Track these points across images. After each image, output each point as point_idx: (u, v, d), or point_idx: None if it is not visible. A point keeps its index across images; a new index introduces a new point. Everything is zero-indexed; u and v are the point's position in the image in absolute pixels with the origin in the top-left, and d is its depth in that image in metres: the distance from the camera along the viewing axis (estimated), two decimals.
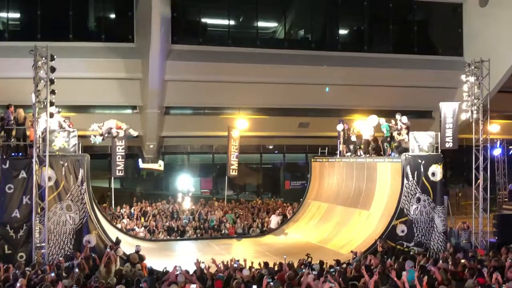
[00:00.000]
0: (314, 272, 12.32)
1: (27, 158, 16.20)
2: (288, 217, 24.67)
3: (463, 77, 19.03)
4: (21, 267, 13.25)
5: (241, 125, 26.74)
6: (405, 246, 17.58)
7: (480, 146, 18.75)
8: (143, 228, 22.98)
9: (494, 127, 26.84)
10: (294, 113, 28.65)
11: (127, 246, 17.21)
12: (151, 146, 27.40)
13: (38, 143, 15.82)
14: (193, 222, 24.14)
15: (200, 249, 20.79)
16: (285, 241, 21.99)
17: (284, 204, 27.76)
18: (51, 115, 16.05)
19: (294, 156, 33.24)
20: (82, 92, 23.28)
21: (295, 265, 14.14)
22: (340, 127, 23.67)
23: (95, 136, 17.82)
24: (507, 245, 15.97)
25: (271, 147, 31.98)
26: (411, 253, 16.42)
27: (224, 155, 27.39)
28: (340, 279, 11.41)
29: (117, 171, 23.41)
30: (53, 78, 15.69)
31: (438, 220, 18.09)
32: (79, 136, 17.47)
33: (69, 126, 17.76)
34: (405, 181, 17.98)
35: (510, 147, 32.05)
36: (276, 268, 13.46)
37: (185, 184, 29.89)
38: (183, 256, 19.01)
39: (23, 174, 15.95)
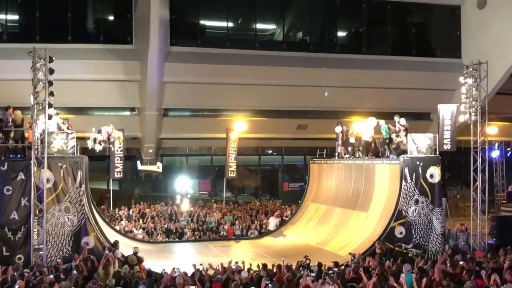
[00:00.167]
0: (312, 274, 12.34)
1: (25, 160, 16.19)
2: (287, 219, 24.67)
3: (461, 79, 19.05)
4: (19, 269, 13.24)
5: (240, 127, 26.75)
6: (403, 248, 17.58)
7: (478, 148, 18.76)
8: (141, 230, 22.97)
9: (492, 129, 26.88)
10: (293, 115, 28.69)
11: (126, 248, 17.18)
12: (150, 151, 27.41)
13: (37, 145, 15.81)
14: (192, 224, 24.13)
15: (198, 251, 20.79)
16: (283, 243, 21.99)
17: (283, 206, 27.77)
18: (50, 117, 16.02)
19: (293, 158, 33.23)
20: (80, 94, 23.28)
21: (294, 267, 14.14)
22: (338, 129, 23.68)
23: (94, 143, 17.81)
24: (505, 247, 16.00)
25: (270, 151, 32.01)
26: (409, 255, 16.41)
27: (223, 157, 27.40)
28: (339, 281, 11.42)
29: (115, 173, 23.48)
30: (51, 80, 15.69)
31: (436, 222, 18.09)
32: (78, 138, 17.45)
33: (68, 128, 17.75)
34: (404, 183, 17.98)
35: (508, 149, 32.07)
36: (274, 270, 13.45)
37: (184, 186, 29.87)
38: (181, 258, 19.01)
39: (21, 176, 15.94)
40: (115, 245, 15.99)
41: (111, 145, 21.59)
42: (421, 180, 18.06)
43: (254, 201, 30.17)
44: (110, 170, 23.41)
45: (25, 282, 11.56)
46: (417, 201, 18.02)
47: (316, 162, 25.50)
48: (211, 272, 13.26)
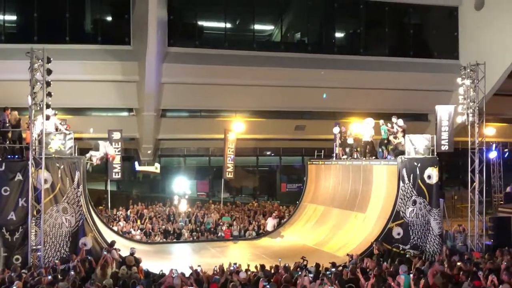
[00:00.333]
0: (310, 275, 12.35)
1: (23, 161, 16.17)
2: (284, 220, 24.67)
3: (458, 80, 19.10)
4: (17, 269, 13.24)
5: (238, 128, 26.77)
6: (401, 248, 17.60)
7: (476, 149, 18.79)
8: (139, 230, 22.97)
9: (490, 130, 26.93)
10: (291, 116, 28.69)
11: (123, 248, 17.15)
12: (149, 152, 27.39)
13: (34, 145, 15.80)
14: (190, 224, 24.12)
15: (196, 251, 20.78)
16: (281, 244, 21.99)
17: (281, 206, 27.78)
18: (48, 118, 16.02)
19: (291, 159, 33.24)
20: (78, 95, 23.25)
21: (291, 268, 14.14)
22: (336, 129, 23.69)
23: (90, 160, 17.90)
24: (502, 248, 16.03)
25: (268, 152, 32.02)
26: (407, 255, 16.44)
27: (221, 157, 27.41)
28: (336, 281, 11.43)
29: (113, 173, 23.44)
30: (49, 80, 15.69)
31: (434, 222, 18.12)
32: (76, 139, 17.44)
33: (66, 129, 17.74)
34: (401, 184, 18.01)
35: (506, 150, 32.14)
36: (272, 271, 13.46)
37: (182, 186, 29.90)
38: (179, 258, 19.00)
39: (19, 177, 15.91)
40: (112, 245, 15.98)
41: (112, 141, 21.79)
42: (419, 181, 18.09)
43: (252, 202, 30.19)
44: (108, 170, 23.38)
45: (22, 283, 11.55)
46: (414, 202, 18.04)
47: (314, 163, 25.51)
48: (210, 271, 13.29)
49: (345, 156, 22.71)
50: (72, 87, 22.28)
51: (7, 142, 16.48)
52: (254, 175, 33.03)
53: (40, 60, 15.59)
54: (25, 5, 23.56)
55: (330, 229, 21.29)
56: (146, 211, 25.12)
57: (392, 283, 11.21)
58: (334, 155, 23.98)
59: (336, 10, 27.56)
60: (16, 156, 16.61)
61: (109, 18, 25.74)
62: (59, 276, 12.47)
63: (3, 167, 15.92)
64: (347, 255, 16.65)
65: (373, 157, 20.73)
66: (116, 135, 23.14)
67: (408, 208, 17.96)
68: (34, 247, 15.54)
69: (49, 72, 15.67)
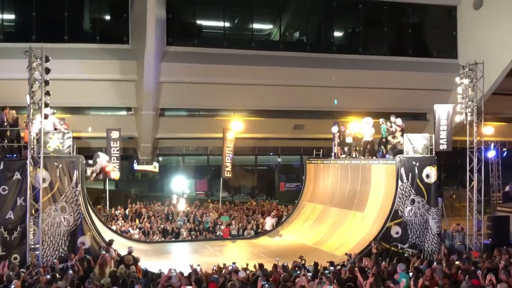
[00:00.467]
0: (309, 274, 12.34)
1: (21, 160, 16.15)
2: (283, 219, 24.67)
3: (457, 79, 19.08)
4: (15, 268, 13.22)
5: (236, 127, 26.77)
6: (399, 247, 17.59)
7: (474, 148, 18.79)
8: (137, 229, 22.96)
9: (488, 129, 26.96)
10: (289, 115, 28.71)
11: (122, 248, 17.15)
12: (147, 150, 27.38)
13: (33, 144, 15.76)
14: (188, 223, 24.11)
15: (194, 250, 20.76)
16: (279, 243, 21.98)
17: (279, 205, 27.78)
18: (46, 117, 16.00)
19: (289, 158, 33.24)
20: (77, 94, 23.26)
21: (290, 267, 14.14)
22: (335, 129, 23.68)
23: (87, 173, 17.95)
24: (500, 247, 16.05)
25: (266, 151, 32.01)
26: (405, 254, 16.41)
27: (219, 157, 27.40)
28: (335, 280, 11.43)
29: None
30: (47, 79, 15.65)
31: (433, 222, 18.12)
32: (74, 138, 17.42)
33: (65, 128, 17.72)
34: (400, 183, 18.01)
35: (504, 149, 32.16)
36: (270, 270, 13.45)
37: (180, 185, 29.88)
38: (177, 257, 19.00)
39: (17, 176, 15.88)
40: (110, 243, 15.98)
41: (111, 140, 21.75)
42: (417, 180, 18.08)
43: (251, 201, 30.18)
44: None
45: (21, 282, 11.54)
46: (413, 201, 18.04)
47: (312, 162, 25.51)
48: (209, 270, 13.27)
49: (343, 155, 22.70)
50: (71, 86, 22.28)
51: (5, 141, 16.46)
52: (253, 174, 33.02)
53: (38, 59, 15.55)
54: (23, 4, 23.58)
55: (329, 228, 21.29)
56: (144, 210, 25.11)
57: (391, 285, 11.20)
58: (333, 154, 23.98)
59: (335, 9, 27.62)
60: (15, 155, 16.60)
61: (108, 17, 25.75)
62: (58, 275, 12.47)
63: (1, 166, 15.88)
64: (346, 254, 16.66)
65: (373, 157, 20.71)
66: (115, 134, 23.15)
67: (406, 207, 17.96)
68: (32, 246, 15.52)
69: (47, 71, 15.64)
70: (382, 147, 20.40)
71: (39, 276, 12.14)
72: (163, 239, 22.98)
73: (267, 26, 27.77)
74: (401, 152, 18.63)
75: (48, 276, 12.01)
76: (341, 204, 21.71)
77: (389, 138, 19.76)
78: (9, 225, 15.74)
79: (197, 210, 25.68)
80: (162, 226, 23.60)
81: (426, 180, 18.16)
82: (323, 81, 25.94)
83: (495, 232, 19.32)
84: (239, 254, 19.65)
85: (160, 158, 30.32)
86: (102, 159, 18.60)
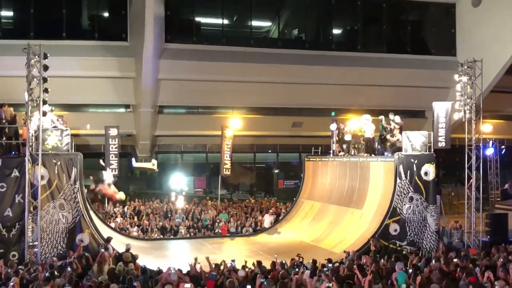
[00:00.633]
0: (307, 271, 12.34)
1: (19, 157, 16.14)
2: (281, 216, 24.68)
3: (456, 77, 19.08)
4: (14, 266, 13.21)
5: (235, 124, 26.72)
6: (397, 245, 17.63)
7: (473, 146, 18.79)
8: (136, 227, 22.94)
9: (487, 127, 26.98)
10: (288, 113, 28.67)
11: (120, 245, 17.15)
12: (146, 148, 27.34)
13: (31, 141, 15.76)
14: (187, 221, 24.11)
15: (193, 248, 20.75)
16: (278, 240, 22.00)
17: (278, 203, 27.78)
18: (44, 114, 15.97)
19: (288, 156, 33.22)
20: (75, 91, 23.22)
21: (288, 264, 14.14)
22: (333, 126, 23.67)
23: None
24: (498, 245, 16.07)
25: (269, 151, 31.98)
26: (404, 252, 16.43)
27: (218, 154, 27.34)
28: (333, 278, 11.43)
29: (110, 170, 23.33)
30: (46, 76, 15.63)
31: (431, 219, 18.15)
32: (72, 135, 17.40)
33: (63, 125, 17.69)
34: (398, 181, 18.02)
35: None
36: (269, 267, 13.45)
37: (179, 183, 29.83)
38: (176, 255, 19.01)
39: (15, 173, 15.88)
40: (108, 240, 15.98)
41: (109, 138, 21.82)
42: (416, 177, 18.10)
43: (249, 198, 30.18)
44: (105, 167, 23.29)
45: (19, 279, 11.53)
46: (411, 199, 18.06)
47: (311, 159, 25.50)
48: (208, 268, 13.26)
49: (342, 153, 22.70)
50: (69, 83, 22.23)
51: (4, 138, 16.44)
52: (251, 172, 33.03)
53: (36, 56, 15.53)
54: (21, 1, 23.52)
55: (327, 225, 21.30)
56: (143, 207, 25.10)
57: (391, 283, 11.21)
58: (331, 151, 23.98)
59: (333, 7, 27.58)
60: (13, 152, 16.58)
61: (106, 14, 25.71)
62: (56, 273, 12.46)
63: (0, 163, 15.87)
64: (344, 251, 16.67)
65: (372, 155, 20.71)
66: (113, 132, 23.09)
67: (405, 204, 17.98)
68: (30, 244, 15.52)
69: (45, 68, 15.60)
70: (381, 144, 20.40)
71: (38, 273, 12.14)
72: (161, 236, 22.98)
73: (266, 24, 27.75)
74: (399, 149, 18.64)
75: (47, 274, 12.00)
76: (339, 202, 21.73)
77: (388, 136, 19.76)
78: (7, 223, 15.75)
79: (195, 208, 25.68)
80: (160, 223, 23.60)
81: (424, 177, 18.18)
82: (322, 78, 25.94)
83: (493, 229, 19.35)
84: (237, 252, 19.68)
85: (159, 156, 30.25)
86: (106, 177, 18.87)
